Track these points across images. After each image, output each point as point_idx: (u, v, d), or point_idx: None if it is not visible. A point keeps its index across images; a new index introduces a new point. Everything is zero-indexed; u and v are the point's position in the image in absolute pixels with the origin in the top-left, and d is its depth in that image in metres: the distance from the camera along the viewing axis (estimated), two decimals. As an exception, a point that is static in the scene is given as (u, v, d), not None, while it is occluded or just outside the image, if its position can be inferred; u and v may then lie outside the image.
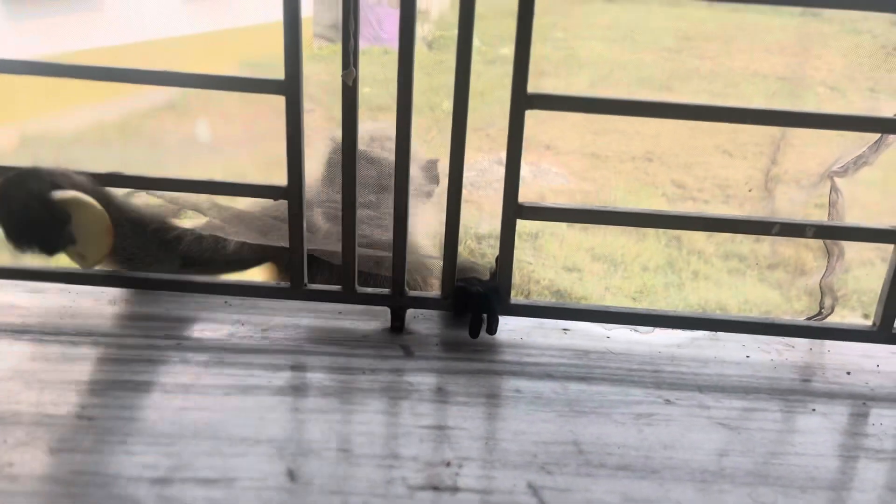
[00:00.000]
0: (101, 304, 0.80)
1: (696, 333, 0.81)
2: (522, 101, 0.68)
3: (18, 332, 0.73)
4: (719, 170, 5.69)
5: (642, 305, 4.01)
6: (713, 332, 0.81)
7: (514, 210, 0.72)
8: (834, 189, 0.79)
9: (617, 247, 4.59)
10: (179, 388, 0.65)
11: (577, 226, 5.02)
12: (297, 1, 0.66)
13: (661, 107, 0.69)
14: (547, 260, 4.30)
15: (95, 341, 0.72)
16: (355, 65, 0.67)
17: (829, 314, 0.81)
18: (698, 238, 4.96)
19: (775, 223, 0.71)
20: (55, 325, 0.75)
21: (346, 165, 0.71)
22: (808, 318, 0.80)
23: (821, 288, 0.82)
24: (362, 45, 0.69)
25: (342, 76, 0.68)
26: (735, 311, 4.20)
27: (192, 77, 0.71)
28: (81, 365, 0.68)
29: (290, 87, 0.69)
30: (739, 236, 4.99)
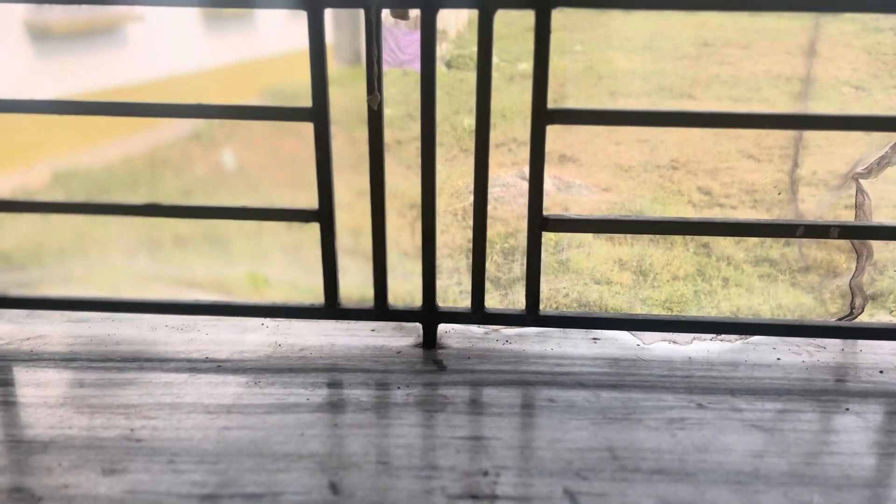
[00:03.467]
0: (142, 330, 0.83)
1: (727, 338, 0.81)
2: (543, 116, 0.70)
3: (67, 359, 0.76)
4: (745, 174, 5.65)
5: (672, 313, 3.98)
6: (744, 336, 0.81)
7: (538, 223, 0.73)
8: (860, 191, 0.79)
9: (645, 256, 4.57)
10: (222, 409, 0.67)
11: (604, 236, 5.01)
12: (322, 31, 0.69)
13: (681, 116, 0.71)
14: (576, 275, 4.30)
15: (140, 366, 0.75)
16: (380, 90, 0.70)
17: (859, 314, 0.81)
18: (727, 244, 4.92)
19: (799, 225, 0.71)
20: (101, 352, 0.78)
21: (374, 189, 0.73)
22: (839, 319, 0.81)
23: (851, 288, 0.82)
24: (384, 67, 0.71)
25: (367, 101, 0.70)
26: (768, 317, 4.15)
27: (223, 108, 0.74)
28: (128, 389, 0.71)
29: (317, 114, 0.71)
30: (769, 241, 4.94)
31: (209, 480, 0.58)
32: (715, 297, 4.32)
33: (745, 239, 5.11)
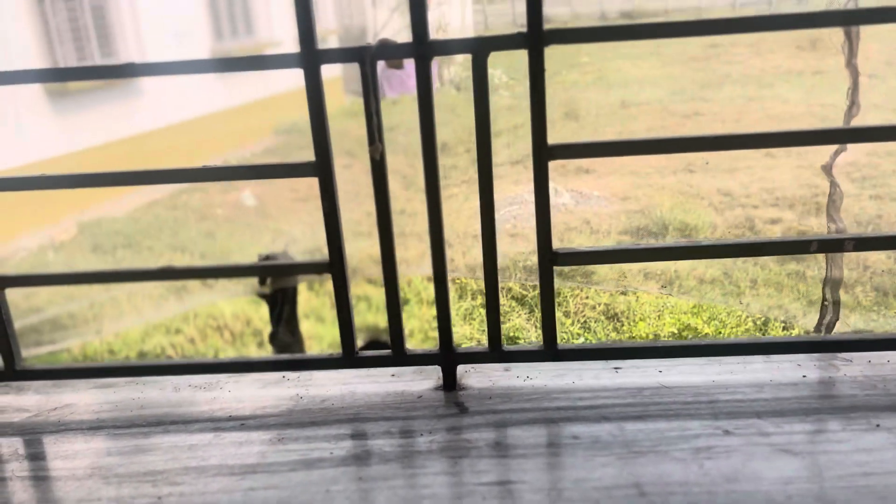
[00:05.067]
0: (166, 392, 0.84)
1: (750, 357, 0.80)
2: (544, 153, 0.70)
3: (94, 428, 0.77)
4: (765, 172, 5.60)
5: (701, 320, 3.93)
6: (768, 356, 0.80)
7: (549, 258, 0.73)
8: (832, 183, 0.80)
9: (670, 262, 4.52)
10: (247, 469, 0.68)
11: (627, 243, 4.98)
12: (320, 87, 0.70)
13: (682, 141, 0.70)
14: (599, 286, 4.26)
15: (165, 430, 0.76)
16: (380, 140, 0.70)
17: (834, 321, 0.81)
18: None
19: (813, 241, 0.71)
20: (127, 417, 0.79)
21: (383, 238, 0.74)
22: (818, 328, 0.80)
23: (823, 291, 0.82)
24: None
25: (369, 151, 0.71)
26: (800, 315, 4.08)
27: (229, 170, 0.75)
28: (154, 455, 0.71)
29: (322, 169, 0.72)
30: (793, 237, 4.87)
31: (237, 546, 0.58)
32: (743, 299, 4.27)
33: (770, 237, 5.05)
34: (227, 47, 7.20)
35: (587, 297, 4.14)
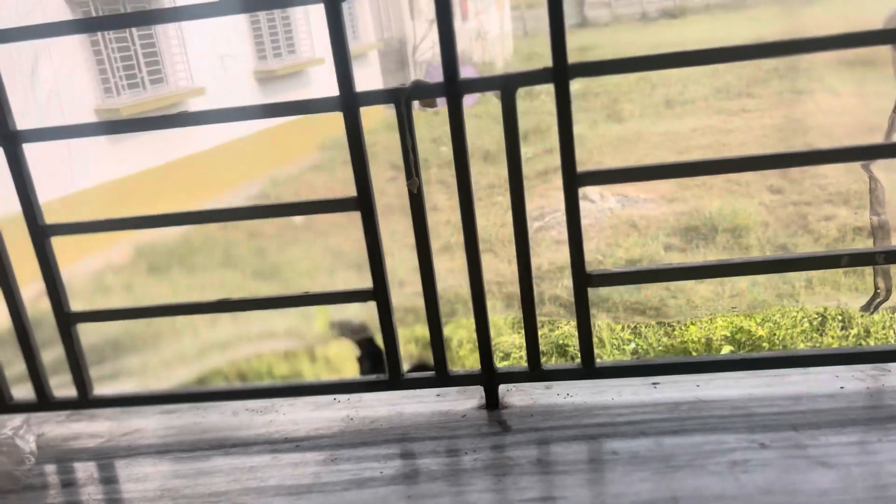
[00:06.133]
0: (226, 415, 0.89)
1: (787, 370, 0.81)
2: (574, 180, 0.73)
3: (161, 451, 0.83)
4: (817, 168, 5.48)
5: (755, 321, 3.87)
6: (805, 369, 0.81)
7: (583, 280, 0.76)
8: (872, 178, 0.81)
9: (720, 265, 4.42)
10: (303, 489, 0.72)
11: (676, 248, 4.93)
12: (360, 128, 0.74)
13: (713, 164, 0.72)
14: (649, 291, 4.22)
15: (226, 452, 0.81)
16: (417, 175, 0.74)
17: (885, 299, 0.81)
18: (807, 242, 4.77)
19: (843, 255, 0.72)
20: (191, 441, 0.84)
21: (423, 265, 0.77)
22: (866, 304, 0.81)
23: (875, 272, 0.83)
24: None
25: (407, 185, 0.75)
26: (857, 314, 3.98)
27: (274, 207, 0.80)
28: (216, 477, 0.76)
29: (363, 203, 0.77)
30: (850, 234, 4.75)
31: (296, 563, 0.62)
32: (798, 299, 4.18)
33: (823, 235, 4.94)
34: (271, 66, 7.38)
35: (636, 302, 4.12)
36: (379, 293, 0.80)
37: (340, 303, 0.83)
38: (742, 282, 4.32)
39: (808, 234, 4.85)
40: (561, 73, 0.69)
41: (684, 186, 5.61)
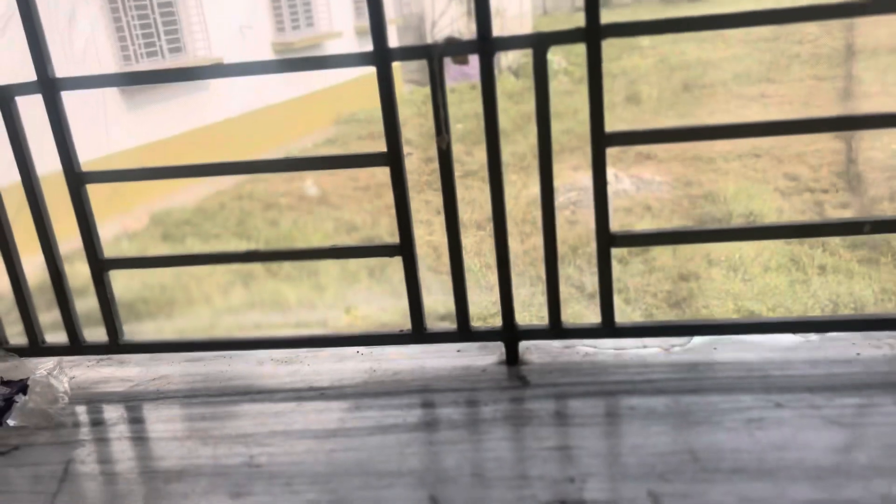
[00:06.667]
0: (251, 365, 0.91)
1: (804, 336, 0.83)
2: (602, 140, 0.74)
3: (189, 396, 0.85)
4: (836, 156, 5.44)
5: (766, 307, 3.87)
6: (822, 334, 0.83)
7: (606, 240, 0.77)
8: None
9: (734, 249, 4.45)
10: (328, 433, 0.74)
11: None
12: (391, 83, 0.75)
13: (740, 128, 0.73)
14: (662, 272, 4.22)
15: (252, 399, 0.83)
16: (447, 131, 0.76)
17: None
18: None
19: (866, 223, 0.73)
20: (217, 387, 0.86)
21: (449, 220, 0.79)
22: None
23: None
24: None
25: (437, 142, 0.76)
26: (872, 302, 3.98)
27: (305, 161, 0.81)
28: (243, 420, 0.79)
29: (392, 159, 0.78)
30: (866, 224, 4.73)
31: (323, 499, 0.64)
32: (811, 287, 4.17)
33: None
34: (289, 39, 7.36)
35: (648, 285, 4.12)
36: (405, 248, 0.81)
37: (367, 256, 0.85)
38: (755, 267, 4.31)
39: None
40: (593, 32, 0.70)
41: (700, 170, 5.59)
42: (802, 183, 5.29)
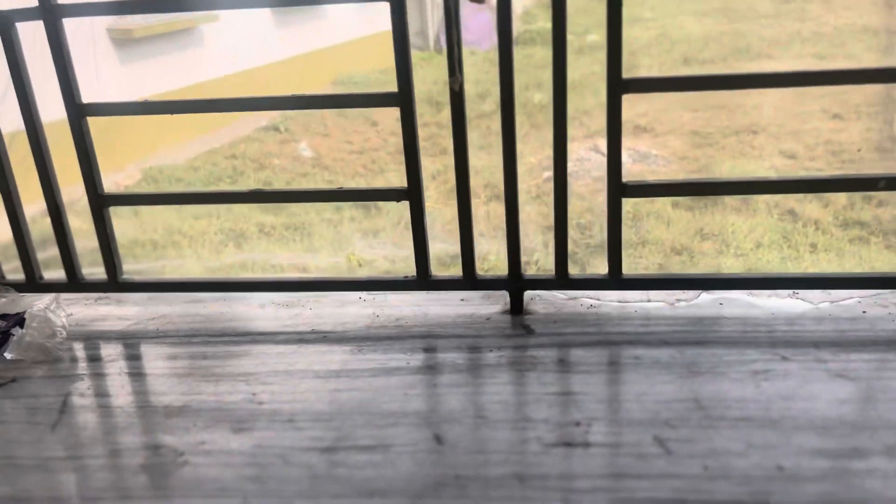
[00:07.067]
0: (252, 308, 0.91)
1: (810, 293, 0.83)
2: (618, 86, 0.73)
3: (189, 335, 0.84)
4: (831, 135, 5.43)
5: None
6: (827, 291, 0.82)
7: (618, 189, 0.76)
8: None
9: (727, 224, 4.46)
10: (331, 374, 0.74)
11: (683, 206, 4.91)
12: (405, 19, 0.74)
13: (756, 78, 0.72)
14: (655, 246, 4.23)
15: (253, 339, 0.82)
16: (460, 72, 0.74)
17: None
18: (814, 209, 4.76)
19: (881, 178, 0.72)
20: (218, 328, 0.86)
21: (459, 167, 0.78)
22: None
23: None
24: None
25: (449, 83, 0.75)
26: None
27: (315, 98, 0.80)
28: (246, 360, 0.78)
29: (403, 99, 0.76)
30: (859, 203, 4.74)
31: (326, 436, 0.64)
32: (802, 263, 4.19)
33: (832, 202, 4.92)
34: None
35: (640, 257, 4.13)
36: (413, 192, 0.80)
37: (374, 200, 0.84)
38: (747, 242, 4.33)
39: (818, 199, 4.83)
40: (615, -27, 0.68)
41: (696, 145, 5.57)
42: (798, 161, 5.28)
